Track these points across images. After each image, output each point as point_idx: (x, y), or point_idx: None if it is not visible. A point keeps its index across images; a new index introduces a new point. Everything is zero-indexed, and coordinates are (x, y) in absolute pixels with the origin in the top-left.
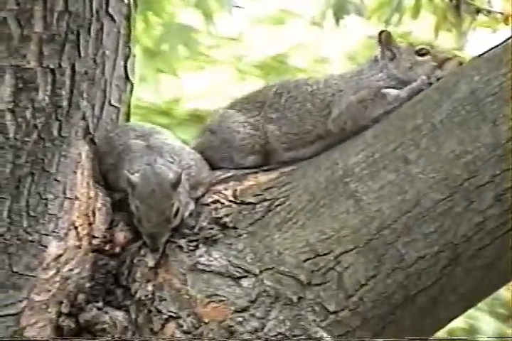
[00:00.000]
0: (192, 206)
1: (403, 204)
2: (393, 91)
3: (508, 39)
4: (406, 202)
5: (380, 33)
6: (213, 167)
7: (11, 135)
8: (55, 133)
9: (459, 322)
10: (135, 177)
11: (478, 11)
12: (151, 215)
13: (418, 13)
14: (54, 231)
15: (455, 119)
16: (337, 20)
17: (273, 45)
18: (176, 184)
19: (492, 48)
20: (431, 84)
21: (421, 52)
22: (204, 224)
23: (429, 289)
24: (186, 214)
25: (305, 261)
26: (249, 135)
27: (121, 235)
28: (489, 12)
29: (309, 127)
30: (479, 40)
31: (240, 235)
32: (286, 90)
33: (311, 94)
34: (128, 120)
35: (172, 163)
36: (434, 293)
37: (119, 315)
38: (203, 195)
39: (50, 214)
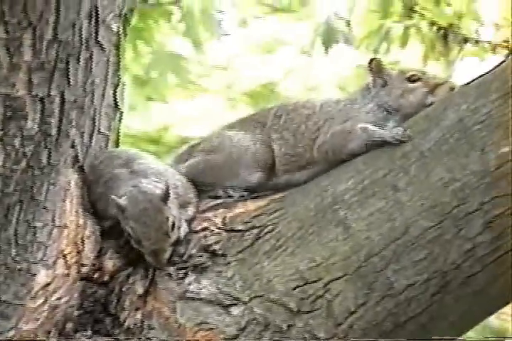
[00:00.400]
0: (186, 227)
1: (392, 232)
2: (376, 129)
3: (496, 67)
4: (395, 230)
5: (371, 61)
6: (213, 187)
7: (0, 163)
8: (44, 161)
9: None
10: (123, 201)
11: (465, 40)
12: (148, 233)
13: (406, 43)
14: (42, 260)
15: (443, 147)
16: (326, 49)
17: (263, 73)
18: (165, 198)
19: (480, 76)
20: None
21: (412, 79)
22: (193, 251)
23: (419, 316)
24: (182, 233)
25: (294, 288)
26: (261, 150)
27: (110, 263)
28: (477, 41)
29: (301, 150)
30: (467, 68)
31: (229, 263)
32: (285, 112)
33: (306, 117)
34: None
35: (158, 182)
36: (424, 321)
37: None
38: (194, 218)
39: (38, 243)
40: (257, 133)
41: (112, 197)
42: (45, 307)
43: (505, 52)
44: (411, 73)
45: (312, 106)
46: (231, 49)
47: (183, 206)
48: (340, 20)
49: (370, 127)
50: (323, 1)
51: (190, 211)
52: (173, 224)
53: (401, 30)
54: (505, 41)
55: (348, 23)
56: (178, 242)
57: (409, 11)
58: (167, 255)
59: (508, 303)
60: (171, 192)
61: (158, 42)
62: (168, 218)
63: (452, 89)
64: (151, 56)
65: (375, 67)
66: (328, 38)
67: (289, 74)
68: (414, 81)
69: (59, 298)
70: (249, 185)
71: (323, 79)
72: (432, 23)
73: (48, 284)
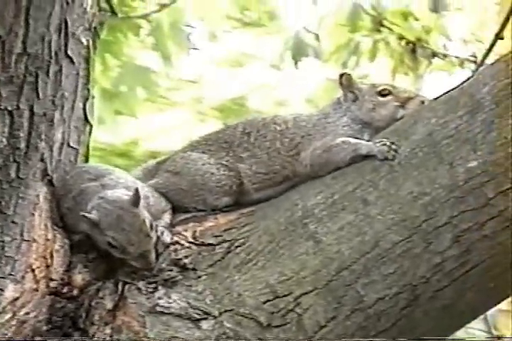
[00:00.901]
0: (168, 233)
1: (362, 246)
2: (361, 141)
3: (464, 82)
4: (365, 244)
5: (341, 75)
6: (181, 209)
7: None
8: (13, 174)
9: None
10: (94, 215)
11: (434, 54)
12: (131, 237)
13: (375, 57)
14: (11, 274)
15: (413, 161)
16: (295, 63)
17: (232, 87)
18: (135, 201)
19: (448, 91)
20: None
21: (383, 93)
22: (163, 265)
23: (389, 330)
24: (167, 239)
25: (265, 302)
26: (225, 176)
27: (79, 277)
28: (445, 56)
29: (278, 167)
30: (436, 83)
31: (200, 277)
32: (255, 129)
33: (280, 132)
34: (87, 161)
35: (126, 194)
36: (394, 334)
37: None
38: (172, 224)
39: (6, 257)
40: (222, 156)
41: (82, 213)
42: (13, 322)
43: (473, 66)
44: (382, 87)
45: (284, 122)
46: (200, 63)
47: (157, 215)
48: (309, 34)
49: (353, 140)
50: (292, 15)
51: (167, 218)
52: (151, 225)
53: (370, 44)
54: (472, 56)
55: (317, 37)
56: (160, 245)
57: (378, 25)
58: (153, 255)
59: (475, 318)
60: (142, 200)
61: (127, 56)
62: (144, 220)
63: (423, 102)
64: (119, 69)
65: (346, 82)
66: (298, 51)
67: (258, 88)
68: (385, 95)
69: (27, 313)
70: (216, 208)
71: (292, 93)
72: (401, 38)
73: (16, 299)
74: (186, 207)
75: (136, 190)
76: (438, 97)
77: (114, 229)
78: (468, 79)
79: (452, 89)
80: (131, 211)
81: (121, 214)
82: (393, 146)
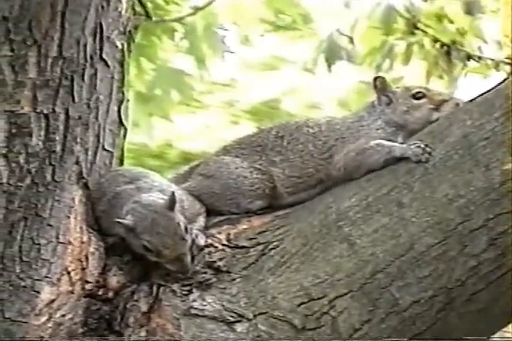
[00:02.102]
0: (203, 236)
1: (397, 248)
2: (394, 144)
3: (500, 84)
4: (400, 246)
5: (375, 79)
6: (215, 212)
7: (4, 180)
8: (49, 177)
9: None
10: (129, 220)
11: (469, 57)
12: (166, 241)
13: (409, 59)
14: (47, 277)
15: (448, 163)
16: (329, 66)
17: (265, 90)
18: (170, 204)
19: (484, 93)
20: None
21: (417, 96)
22: (197, 268)
23: (424, 334)
24: (201, 242)
25: (299, 305)
26: (258, 179)
27: (114, 280)
28: (480, 58)
29: (312, 170)
30: (470, 85)
31: (234, 279)
32: (288, 132)
33: (313, 135)
34: (121, 164)
35: (161, 196)
36: (429, 338)
37: None
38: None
39: (42, 260)
40: (255, 159)
41: (116, 220)
42: (50, 324)
43: (508, 69)
44: (416, 90)
45: (317, 125)
46: (233, 66)
47: (192, 218)
48: (342, 37)
49: (386, 143)
50: (325, 18)
51: (202, 221)
52: (186, 228)
53: (404, 46)
54: (508, 58)
55: (351, 40)
56: (195, 247)
57: (412, 27)
58: (189, 258)
59: (510, 322)
60: (177, 204)
61: (161, 59)
62: (179, 223)
63: (458, 105)
64: (154, 73)
65: (380, 85)
66: (331, 54)
67: (292, 91)
68: (419, 98)
69: (63, 315)
70: (250, 212)
71: (325, 96)
72: (435, 40)
73: (52, 301)
74: (220, 210)
75: (172, 194)
76: (473, 99)
77: (149, 233)
78: (504, 81)
79: (487, 91)
80: (166, 214)
81: (156, 218)
82: (427, 149)
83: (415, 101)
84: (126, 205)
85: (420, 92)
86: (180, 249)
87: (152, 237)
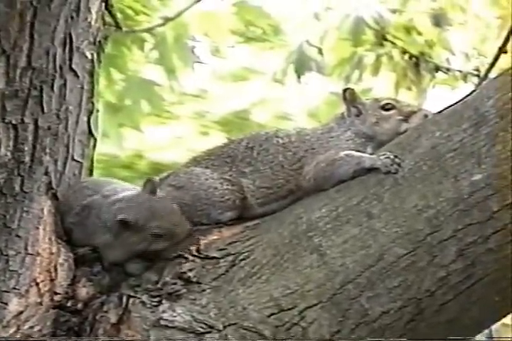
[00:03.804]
0: None
1: (367, 259)
2: (364, 155)
3: (468, 95)
4: (369, 257)
5: (345, 90)
6: None
7: None
8: (17, 188)
9: None
10: (125, 216)
11: (437, 68)
12: (173, 219)
13: (378, 71)
14: (15, 288)
15: (417, 174)
16: (298, 77)
17: (235, 101)
18: (152, 189)
19: (452, 105)
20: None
21: (386, 107)
22: (167, 279)
23: None
24: None
25: (269, 316)
26: (228, 191)
27: (83, 291)
28: (448, 70)
29: (282, 181)
30: (439, 97)
31: (204, 290)
32: (258, 143)
33: (283, 146)
34: (91, 175)
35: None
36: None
37: None
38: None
39: (11, 271)
40: (225, 170)
41: (119, 219)
42: (18, 336)
43: (476, 81)
44: (385, 101)
45: (287, 136)
46: (204, 77)
47: None
48: (312, 48)
49: (356, 153)
50: (295, 30)
51: None
52: None
53: (373, 58)
54: (475, 70)
55: (320, 51)
56: None
57: (381, 39)
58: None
59: (480, 332)
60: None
61: (131, 70)
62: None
63: (426, 116)
64: (124, 83)
65: (349, 97)
66: (301, 65)
67: (261, 102)
68: (388, 109)
69: (31, 327)
70: (220, 222)
71: (295, 107)
72: (404, 52)
73: (21, 313)
74: (190, 221)
75: (147, 179)
76: (442, 111)
77: (154, 219)
78: (472, 92)
79: (456, 103)
80: (156, 198)
81: (151, 205)
82: (396, 160)
83: (384, 113)
84: (105, 212)
85: (389, 104)
86: (187, 224)
87: (159, 221)
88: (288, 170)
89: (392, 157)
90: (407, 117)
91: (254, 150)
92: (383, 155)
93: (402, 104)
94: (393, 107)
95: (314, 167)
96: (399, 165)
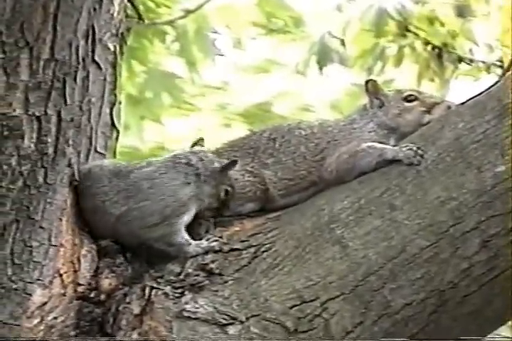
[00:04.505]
0: None
1: (389, 251)
2: (386, 146)
3: (491, 87)
4: (392, 249)
5: (367, 82)
6: None
7: None
8: (41, 180)
9: None
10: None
11: (460, 59)
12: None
13: (400, 62)
14: (39, 279)
15: (440, 166)
16: (320, 68)
17: (257, 93)
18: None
19: (475, 96)
20: (421, 156)
21: (409, 99)
22: (190, 270)
23: (416, 336)
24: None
25: (291, 307)
26: (249, 182)
27: (106, 282)
28: (471, 61)
29: (304, 172)
30: (462, 88)
31: (226, 282)
32: (280, 135)
33: (305, 137)
34: None
35: None
36: (426, 338)
37: None
38: None
39: (34, 262)
40: (247, 162)
41: (224, 164)
42: (42, 326)
43: (499, 71)
44: (408, 93)
45: (309, 127)
46: (225, 69)
47: None
48: (334, 39)
49: (378, 145)
50: (317, 21)
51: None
52: None
53: (395, 49)
54: (499, 61)
55: (342, 43)
56: None
57: (404, 30)
58: None
59: (503, 324)
60: None
61: (152, 62)
62: None
63: (449, 108)
64: (145, 75)
65: (372, 88)
66: (323, 57)
67: (283, 94)
68: (411, 101)
69: (55, 318)
70: (242, 214)
71: (317, 99)
72: (426, 43)
73: (44, 304)
74: (211, 212)
75: (200, 138)
76: (465, 102)
77: (223, 177)
78: (495, 83)
79: (479, 94)
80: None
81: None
82: (419, 151)
83: (407, 104)
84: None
85: (412, 95)
86: None
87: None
88: (310, 161)
89: (414, 149)
90: (429, 108)
91: (277, 142)
92: (406, 146)
93: (424, 96)
94: (416, 99)
95: (336, 158)
96: (421, 156)
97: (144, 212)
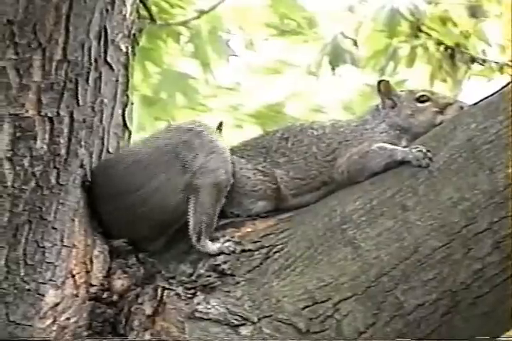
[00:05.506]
0: None
1: (401, 251)
2: (396, 148)
3: (504, 87)
4: (404, 249)
5: (379, 82)
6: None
7: (9, 183)
8: (53, 181)
9: None
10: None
11: (473, 60)
12: None
13: (413, 62)
14: (51, 280)
15: (452, 166)
16: (332, 69)
17: (269, 94)
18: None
19: (488, 96)
20: (430, 159)
21: (422, 99)
22: (202, 271)
23: (428, 337)
24: None
25: (303, 308)
26: (259, 181)
27: (118, 283)
28: (484, 61)
29: (315, 172)
30: (474, 88)
31: (238, 282)
32: (293, 134)
33: (317, 137)
34: None
35: None
36: (434, 338)
37: None
38: None
39: (47, 263)
40: (259, 161)
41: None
42: (54, 327)
43: None
44: (420, 93)
45: (321, 127)
46: (238, 70)
47: None
48: (346, 40)
49: (389, 146)
50: (330, 22)
51: None
52: None
53: (408, 49)
54: (511, 61)
55: (355, 43)
56: None
57: (416, 30)
58: None
59: None
60: None
61: (166, 63)
62: None
63: (462, 108)
64: (159, 76)
65: (384, 88)
66: (335, 57)
67: (296, 95)
68: (423, 101)
69: (68, 319)
70: (253, 213)
71: (329, 100)
72: (439, 43)
73: (57, 304)
74: (223, 210)
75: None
76: (477, 103)
77: None
78: (508, 84)
79: (492, 95)
80: None
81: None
82: (428, 154)
83: (420, 105)
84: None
85: (425, 95)
86: None
87: None
88: (321, 161)
89: (424, 150)
90: (442, 109)
91: (289, 141)
92: (416, 148)
93: (437, 96)
94: (429, 99)
95: (347, 159)
96: (430, 159)
97: None
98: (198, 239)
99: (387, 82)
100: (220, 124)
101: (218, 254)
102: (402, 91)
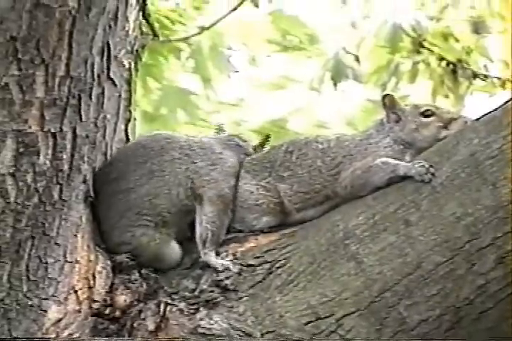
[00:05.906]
0: None
1: (404, 267)
2: (399, 162)
3: (507, 102)
4: (407, 265)
5: (384, 96)
6: None
7: (12, 199)
8: (56, 196)
9: None
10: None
11: (475, 75)
12: None
13: (415, 78)
14: (54, 296)
15: (455, 182)
16: (334, 84)
17: (272, 110)
18: None
19: (491, 111)
20: (433, 174)
21: (426, 114)
22: (204, 286)
23: None
24: None
25: (306, 324)
26: (262, 195)
27: (121, 298)
28: (486, 76)
29: (319, 186)
30: (476, 104)
31: (241, 298)
32: (297, 148)
33: (321, 151)
34: None
35: None
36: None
37: None
38: None
39: (50, 278)
40: (265, 176)
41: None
42: None
43: None
44: (425, 108)
45: (326, 141)
46: (240, 86)
47: None
48: (348, 55)
49: (392, 161)
50: (332, 38)
51: None
52: None
53: (410, 65)
54: None
55: (357, 59)
56: None
57: (418, 46)
58: None
59: None
60: None
61: (167, 79)
62: None
63: (466, 123)
64: (160, 92)
65: (389, 103)
66: (337, 73)
67: (298, 110)
68: (428, 116)
69: (70, 334)
70: (255, 229)
71: (332, 115)
72: (441, 59)
73: (60, 320)
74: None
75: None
76: (480, 118)
77: None
78: (511, 99)
79: (494, 110)
80: None
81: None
82: (431, 169)
83: (424, 119)
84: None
85: (429, 110)
86: None
87: None
88: (325, 175)
89: (427, 166)
90: (447, 124)
91: (294, 155)
92: (418, 163)
93: (442, 111)
94: (433, 114)
95: (351, 174)
96: (433, 174)
97: None
98: (204, 247)
99: (392, 96)
100: (267, 137)
101: (222, 271)
102: (406, 105)
